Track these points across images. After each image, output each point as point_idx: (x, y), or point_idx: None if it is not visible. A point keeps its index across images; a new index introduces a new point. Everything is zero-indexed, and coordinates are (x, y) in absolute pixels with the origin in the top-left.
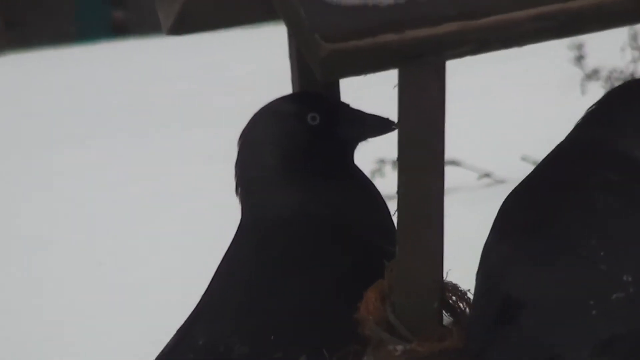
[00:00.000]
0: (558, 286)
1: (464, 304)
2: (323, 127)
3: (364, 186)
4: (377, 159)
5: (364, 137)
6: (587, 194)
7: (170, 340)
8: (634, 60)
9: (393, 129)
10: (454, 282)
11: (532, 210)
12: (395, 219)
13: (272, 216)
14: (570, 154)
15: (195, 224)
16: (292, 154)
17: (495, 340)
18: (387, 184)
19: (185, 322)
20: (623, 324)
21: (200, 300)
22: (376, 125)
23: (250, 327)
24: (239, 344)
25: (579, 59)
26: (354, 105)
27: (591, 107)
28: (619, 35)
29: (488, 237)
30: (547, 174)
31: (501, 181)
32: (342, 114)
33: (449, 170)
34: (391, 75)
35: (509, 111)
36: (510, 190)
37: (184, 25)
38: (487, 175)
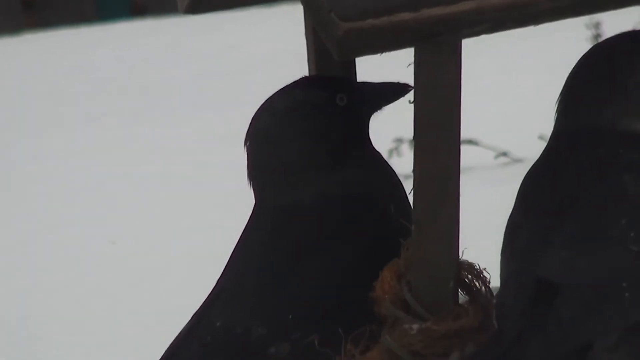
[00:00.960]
0: (592, 270)
1: (480, 282)
2: (350, 106)
3: (382, 165)
4: (394, 138)
5: (381, 105)
6: (614, 175)
7: (188, 323)
8: None
9: (409, 91)
10: (470, 260)
11: (558, 192)
12: (411, 198)
13: (291, 201)
14: (582, 137)
15: (210, 205)
16: (332, 140)
17: (532, 324)
18: (404, 163)
19: (203, 304)
20: None
21: (217, 283)
22: (392, 90)
23: (267, 309)
24: (256, 326)
25: (596, 37)
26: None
27: (570, 85)
28: (635, 13)
29: (512, 217)
30: (564, 157)
31: (518, 160)
32: (359, 89)
33: (466, 149)
34: (407, 55)
35: (526, 90)
36: (526, 170)
37: (200, 4)
38: (504, 154)
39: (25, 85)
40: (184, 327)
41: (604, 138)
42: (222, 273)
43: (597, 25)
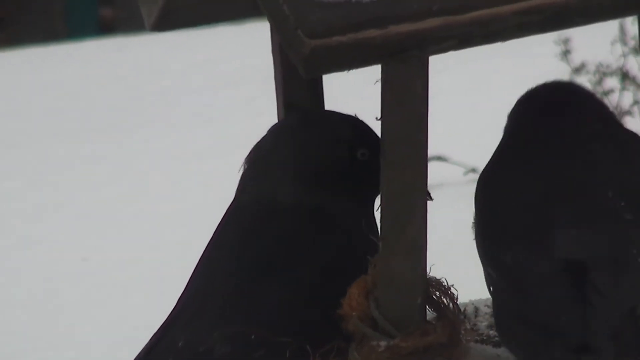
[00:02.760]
0: (604, 242)
1: (448, 299)
2: (369, 162)
3: None
4: None
5: None
6: (584, 146)
7: (148, 342)
8: (624, 55)
9: None
10: (438, 277)
11: (529, 183)
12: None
13: (266, 201)
14: (548, 112)
15: (180, 221)
16: (332, 181)
17: (579, 307)
18: None
19: (164, 323)
20: None
21: (178, 300)
22: None
23: (230, 327)
24: (220, 344)
25: (566, 53)
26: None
27: None
28: (605, 30)
29: (483, 227)
30: (526, 136)
31: None
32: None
33: (435, 166)
34: (375, 72)
35: (495, 106)
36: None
37: (167, 21)
38: (473, 170)
39: None
40: (145, 345)
41: (568, 112)
42: (186, 286)
43: (566, 42)
